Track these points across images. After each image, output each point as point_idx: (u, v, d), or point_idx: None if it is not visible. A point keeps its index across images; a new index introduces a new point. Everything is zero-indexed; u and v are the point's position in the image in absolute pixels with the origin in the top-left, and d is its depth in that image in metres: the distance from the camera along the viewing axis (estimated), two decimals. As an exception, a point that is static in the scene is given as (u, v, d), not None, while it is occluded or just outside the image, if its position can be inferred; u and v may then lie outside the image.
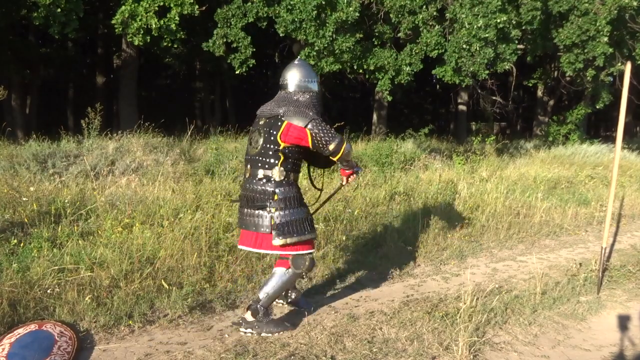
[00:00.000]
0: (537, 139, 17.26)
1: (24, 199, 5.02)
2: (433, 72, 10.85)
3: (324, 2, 9.13)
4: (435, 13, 9.79)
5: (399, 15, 9.82)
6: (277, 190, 3.21)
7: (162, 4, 10.42)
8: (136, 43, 10.90)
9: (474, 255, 5.41)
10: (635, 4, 10.10)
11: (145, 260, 3.96)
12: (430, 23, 9.83)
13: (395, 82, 10.56)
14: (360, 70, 10.97)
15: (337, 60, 9.98)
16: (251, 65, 10.91)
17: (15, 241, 4.10)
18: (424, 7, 9.65)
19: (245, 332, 3.27)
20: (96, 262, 3.83)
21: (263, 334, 3.24)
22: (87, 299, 3.39)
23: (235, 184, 6.66)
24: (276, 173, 3.22)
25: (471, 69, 9.31)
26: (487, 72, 9.61)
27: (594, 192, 8.77)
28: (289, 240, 3.20)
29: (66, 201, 4.93)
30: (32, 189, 5.41)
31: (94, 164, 6.86)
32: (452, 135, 19.17)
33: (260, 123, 3.32)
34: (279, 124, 3.21)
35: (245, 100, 27.54)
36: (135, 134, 8.61)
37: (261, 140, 3.26)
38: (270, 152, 3.22)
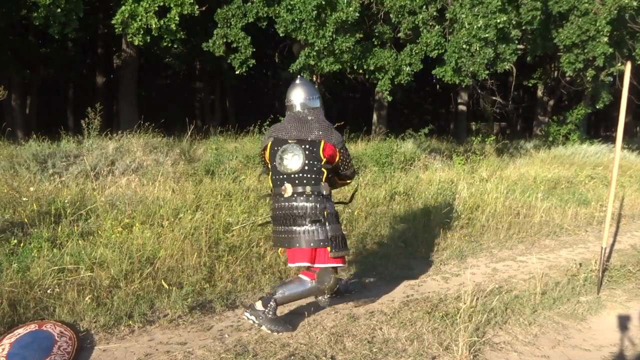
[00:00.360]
0: (537, 139, 17.27)
1: (24, 199, 5.02)
2: (433, 72, 10.85)
3: (324, 2, 9.13)
4: (435, 13, 9.79)
5: (399, 15, 9.82)
6: (327, 205, 3.33)
7: (162, 4, 10.44)
8: (136, 43, 10.91)
9: (474, 255, 5.41)
10: (635, 4, 10.10)
11: (145, 260, 3.96)
12: (430, 23, 9.83)
13: (395, 82, 10.57)
14: (360, 70, 10.97)
15: (337, 60, 9.98)
16: (251, 65, 10.92)
17: (15, 241, 4.10)
18: (424, 7, 9.65)
19: (248, 318, 3.29)
20: (96, 262, 3.83)
21: (263, 327, 3.25)
22: (87, 299, 3.39)
23: (235, 184, 6.66)
24: (323, 188, 3.31)
25: (471, 69, 9.31)
26: (487, 72, 9.61)
27: (594, 192, 8.77)
28: (341, 253, 3.33)
29: (66, 201, 4.93)
30: (32, 189, 5.42)
31: (94, 164, 6.87)
32: (452, 135, 19.18)
33: (291, 142, 3.34)
34: (317, 141, 3.31)
35: (245, 100, 27.57)
36: (135, 134, 8.62)
37: (302, 158, 3.29)
38: (315, 169, 3.29)
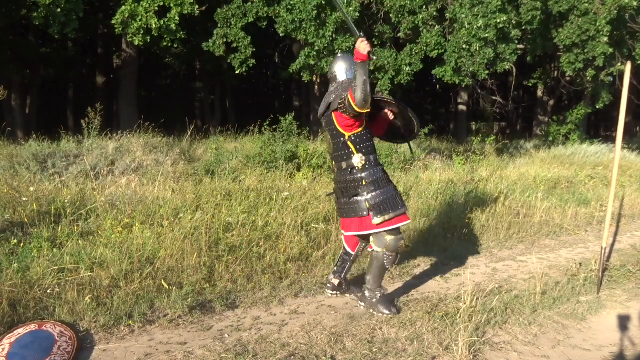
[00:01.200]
0: (537, 139, 17.28)
1: (24, 199, 5.02)
2: (433, 72, 10.86)
3: (324, 2, 9.14)
4: (435, 13, 9.80)
5: (399, 15, 9.83)
6: (363, 175, 3.51)
7: (162, 4, 10.43)
8: (136, 43, 10.90)
9: (474, 256, 5.41)
10: (635, 4, 10.12)
11: (145, 260, 3.96)
12: (430, 23, 9.84)
13: (395, 82, 10.57)
14: (361, 70, 10.95)
15: (337, 60, 9.97)
16: (251, 65, 10.92)
17: (15, 241, 4.10)
18: (424, 7, 9.65)
19: (359, 305, 3.72)
20: (96, 262, 3.83)
21: (372, 310, 3.62)
22: (87, 299, 3.39)
23: (235, 184, 6.66)
24: (356, 161, 3.50)
25: (471, 69, 9.32)
26: (487, 72, 9.62)
27: (594, 192, 8.76)
28: (385, 217, 3.46)
29: (66, 201, 4.92)
30: (32, 189, 5.41)
31: (94, 164, 6.86)
32: (452, 135, 19.17)
33: (323, 124, 3.65)
34: (331, 117, 3.52)
35: (245, 100, 27.56)
36: (135, 134, 8.62)
37: (329, 138, 3.59)
38: (341, 145, 3.52)
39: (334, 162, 3.66)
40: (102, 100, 17.01)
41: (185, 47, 16.18)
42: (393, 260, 3.57)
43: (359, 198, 3.47)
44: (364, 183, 3.47)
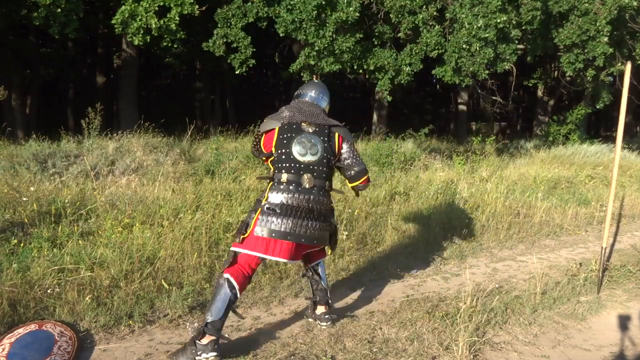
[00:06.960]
0: (537, 139, 17.28)
1: (24, 199, 5.02)
2: (433, 72, 10.85)
3: (324, 2, 9.13)
4: (435, 13, 9.79)
5: (399, 15, 9.81)
6: (331, 201, 3.26)
7: (162, 4, 10.41)
8: (136, 43, 10.89)
9: (474, 255, 5.41)
10: (635, 4, 10.12)
11: (145, 260, 3.96)
12: (430, 23, 9.83)
13: (395, 82, 10.56)
14: (360, 70, 10.97)
15: (337, 60, 9.98)
16: (251, 65, 10.91)
17: (16, 241, 4.10)
18: (424, 7, 9.64)
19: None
20: (96, 262, 3.84)
21: None
22: (87, 299, 3.39)
23: (235, 184, 6.66)
24: (329, 184, 3.19)
25: (471, 69, 9.31)
26: (487, 72, 9.61)
27: (594, 192, 8.77)
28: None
29: (66, 201, 4.93)
30: (32, 189, 5.41)
31: (94, 164, 6.86)
32: (452, 135, 19.18)
33: (311, 131, 3.15)
34: (331, 135, 3.20)
35: (245, 100, 27.56)
36: (135, 134, 8.62)
37: (321, 149, 3.11)
38: (328, 163, 3.14)
39: (308, 175, 3.08)
40: (102, 100, 16.99)
41: (185, 47, 16.18)
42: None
43: (329, 225, 3.28)
44: (331, 209, 3.36)
